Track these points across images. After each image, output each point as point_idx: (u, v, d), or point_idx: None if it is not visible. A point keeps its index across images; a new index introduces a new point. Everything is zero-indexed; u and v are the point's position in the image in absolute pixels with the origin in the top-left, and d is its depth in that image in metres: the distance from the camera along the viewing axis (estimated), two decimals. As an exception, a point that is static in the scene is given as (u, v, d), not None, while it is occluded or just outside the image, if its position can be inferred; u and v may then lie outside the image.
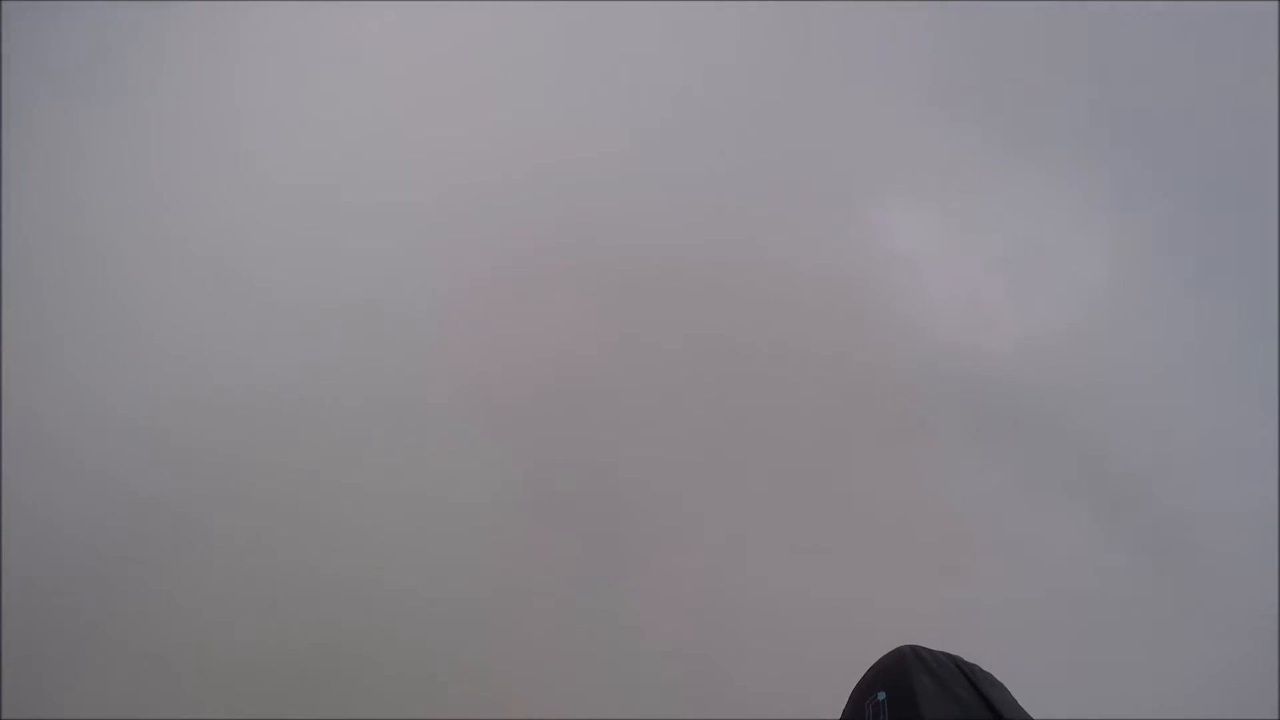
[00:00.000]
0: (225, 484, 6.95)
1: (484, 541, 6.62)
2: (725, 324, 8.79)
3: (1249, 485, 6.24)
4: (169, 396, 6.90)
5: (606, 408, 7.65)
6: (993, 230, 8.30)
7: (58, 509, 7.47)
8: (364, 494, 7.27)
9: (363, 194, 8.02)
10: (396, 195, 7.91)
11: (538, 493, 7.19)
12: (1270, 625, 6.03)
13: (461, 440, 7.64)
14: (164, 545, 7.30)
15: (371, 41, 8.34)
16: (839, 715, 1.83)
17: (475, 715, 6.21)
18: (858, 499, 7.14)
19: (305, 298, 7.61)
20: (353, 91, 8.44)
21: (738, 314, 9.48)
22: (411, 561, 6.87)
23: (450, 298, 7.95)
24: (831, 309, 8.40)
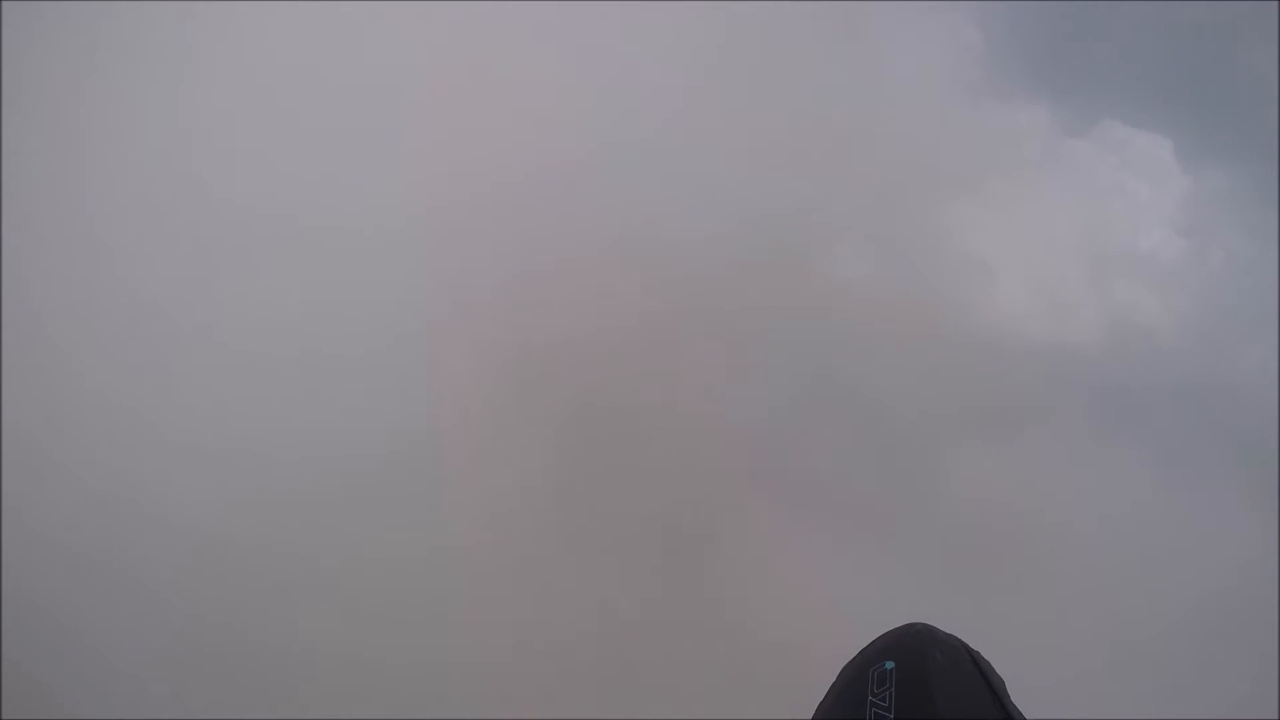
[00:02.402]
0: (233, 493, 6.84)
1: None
2: (806, 344, 8.44)
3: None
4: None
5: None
6: (1061, 219, 7.85)
7: (56, 518, 7.35)
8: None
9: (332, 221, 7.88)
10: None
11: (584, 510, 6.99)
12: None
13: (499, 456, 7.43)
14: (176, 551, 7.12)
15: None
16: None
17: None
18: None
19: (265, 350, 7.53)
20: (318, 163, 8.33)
21: (814, 336, 9.00)
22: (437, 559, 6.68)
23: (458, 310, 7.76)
24: (908, 325, 8.00)
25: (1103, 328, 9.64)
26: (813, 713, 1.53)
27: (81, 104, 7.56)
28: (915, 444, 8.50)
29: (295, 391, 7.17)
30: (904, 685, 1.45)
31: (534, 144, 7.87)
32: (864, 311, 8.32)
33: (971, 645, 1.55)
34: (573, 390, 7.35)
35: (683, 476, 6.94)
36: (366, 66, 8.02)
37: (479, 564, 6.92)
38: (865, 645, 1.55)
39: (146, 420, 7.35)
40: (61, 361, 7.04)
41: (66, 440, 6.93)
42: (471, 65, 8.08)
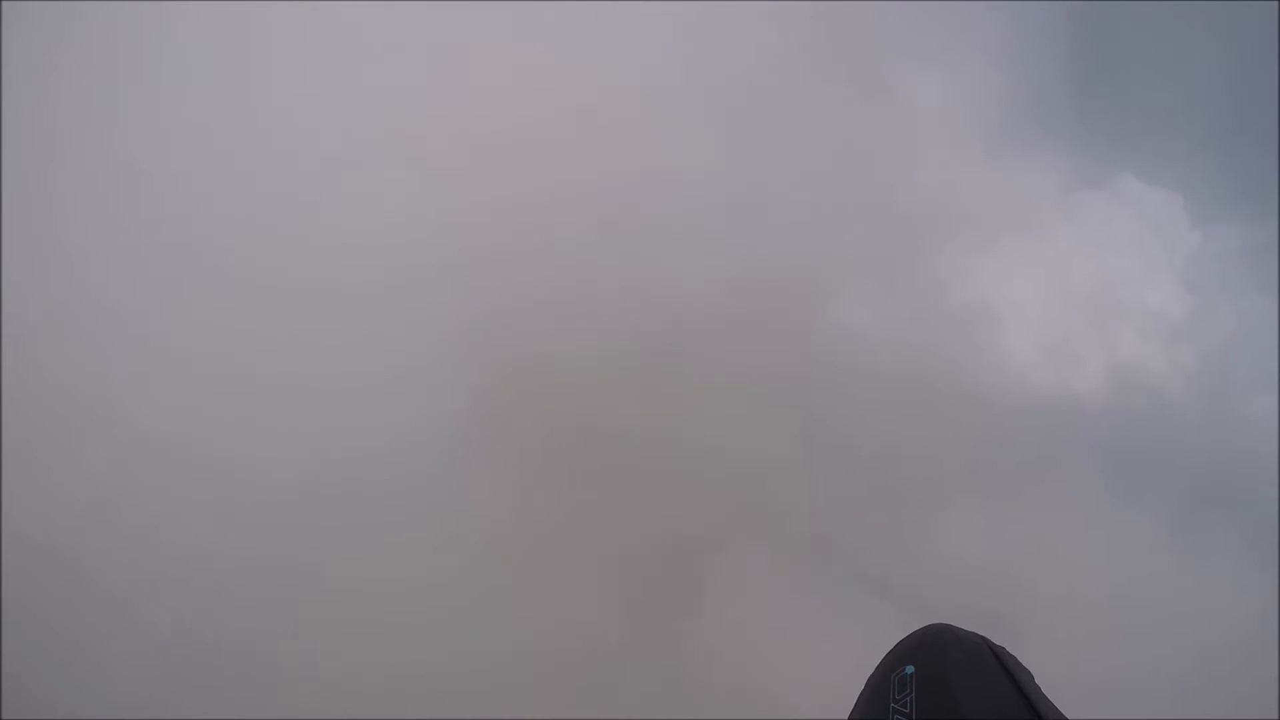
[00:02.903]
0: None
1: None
2: (806, 402, 8.35)
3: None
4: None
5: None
6: (1072, 271, 7.78)
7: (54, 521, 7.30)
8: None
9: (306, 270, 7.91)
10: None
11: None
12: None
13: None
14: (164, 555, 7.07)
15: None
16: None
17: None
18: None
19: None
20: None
21: (820, 393, 8.88)
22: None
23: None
24: (913, 373, 7.92)
25: (1109, 382, 9.55)
26: None
27: (80, 109, 7.56)
28: (915, 496, 8.41)
29: (276, 412, 7.15)
30: (924, 688, 1.44)
31: (539, 180, 7.89)
32: (868, 358, 8.29)
33: (993, 641, 1.53)
34: (568, 427, 7.30)
35: (675, 519, 6.86)
36: (347, 84, 8.08)
37: (460, 593, 6.88)
38: (888, 650, 1.53)
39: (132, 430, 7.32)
40: (44, 372, 7.01)
41: (57, 449, 6.93)
42: (466, 104, 8.12)
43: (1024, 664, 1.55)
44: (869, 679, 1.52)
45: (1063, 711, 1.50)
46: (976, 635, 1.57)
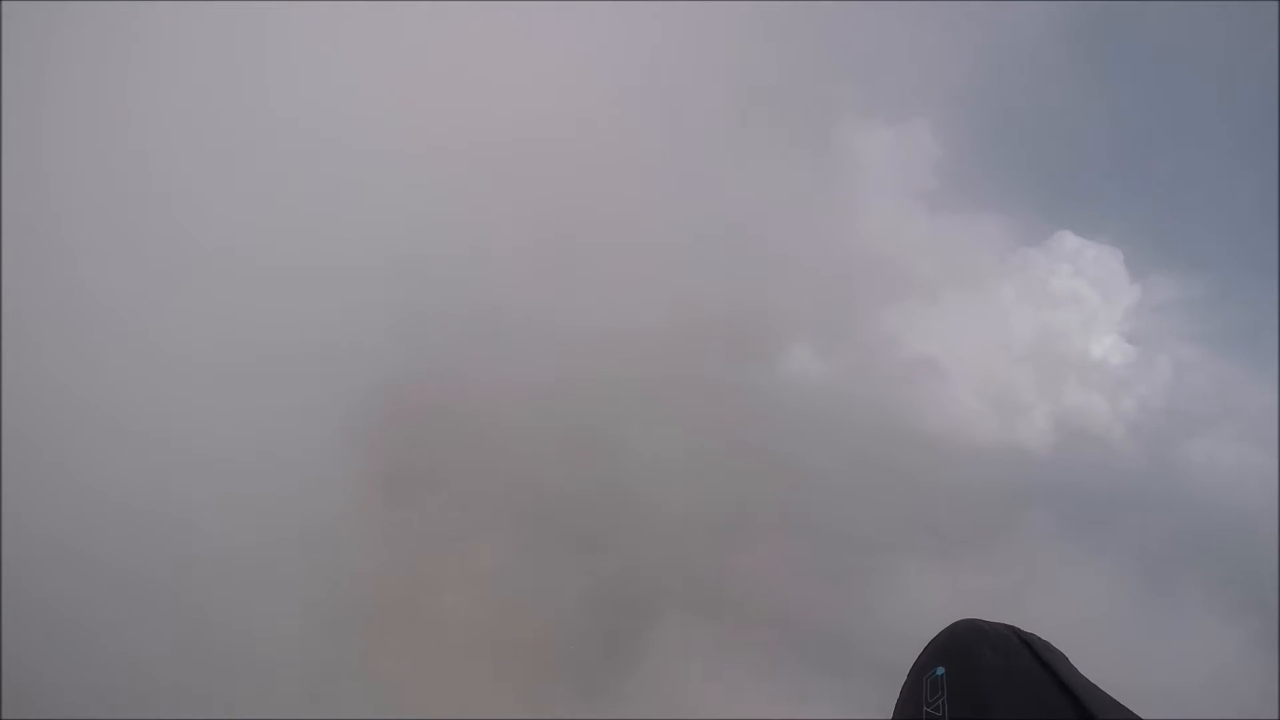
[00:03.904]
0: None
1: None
2: (752, 458, 8.41)
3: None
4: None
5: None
6: (1014, 324, 8.20)
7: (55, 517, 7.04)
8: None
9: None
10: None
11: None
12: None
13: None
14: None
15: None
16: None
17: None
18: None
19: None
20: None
21: (757, 433, 9.01)
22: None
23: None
24: (860, 421, 8.09)
25: (1055, 432, 9.70)
26: None
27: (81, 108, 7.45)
28: (868, 551, 8.35)
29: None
30: (955, 689, 1.31)
31: (495, 220, 7.92)
32: (813, 410, 8.39)
33: (1022, 629, 1.40)
34: (517, 482, 7.21)
35: (613, 580, 6.70)
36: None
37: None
38: (920, 652, 1.40)
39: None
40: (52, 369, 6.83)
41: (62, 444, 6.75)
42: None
43: (1056, 647, 1.49)
44: (904, 683, 1.40)
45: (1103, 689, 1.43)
46: (1004, 626, 1.53)
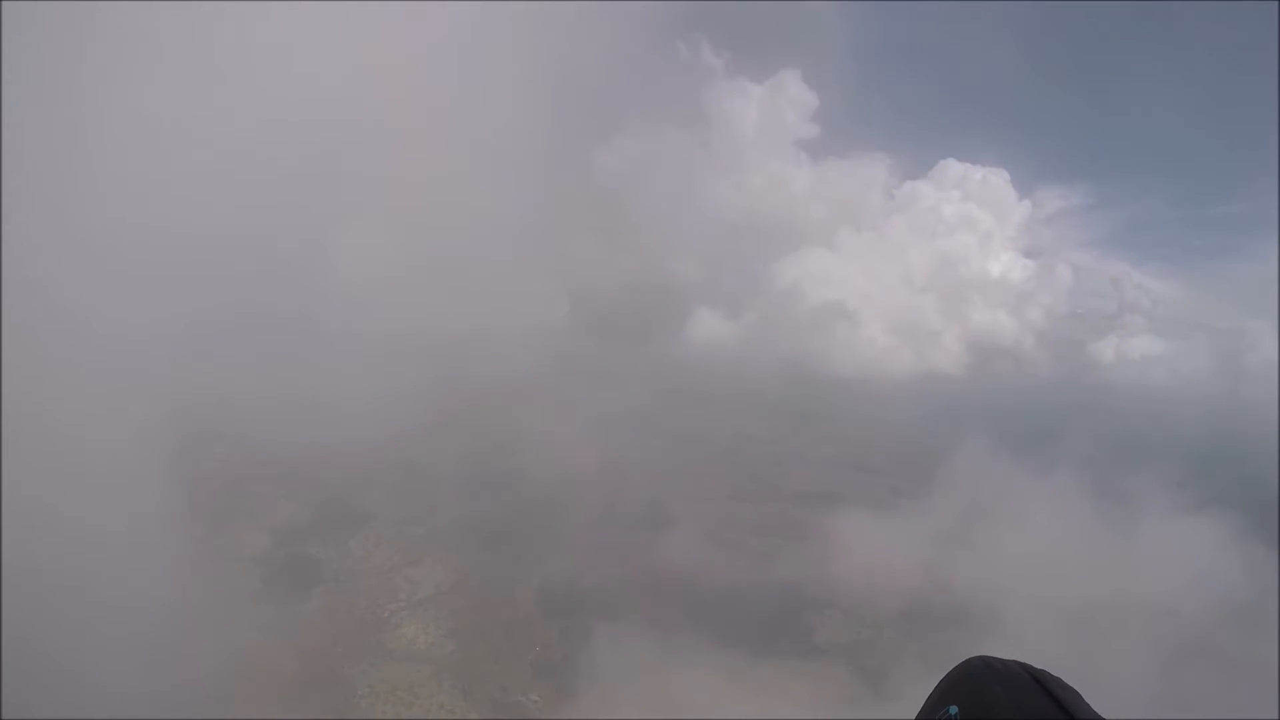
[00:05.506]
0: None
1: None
2: (674, 407, 8.11)
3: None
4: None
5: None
6: (912, 257, 7.90)
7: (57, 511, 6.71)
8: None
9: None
10: None
11: None
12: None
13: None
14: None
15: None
16: None
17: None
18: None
19: None
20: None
21: (675, 407, 8.82)
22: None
23: None
24: (778, 374, 7.79)
25: (967, 353, 9.67)
26: None
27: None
28: (802, 505, 8.06)
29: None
30: None
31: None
32: (730, 373, 8.11)
33: (1033, 665, 1.31)
34: (436, 478, 6.72)
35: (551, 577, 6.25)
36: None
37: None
38: (933, 689, 1.35)
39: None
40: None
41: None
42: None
43: (1069, 684, 1.20)
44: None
45: None
46: (1015, 663, 1.21)
